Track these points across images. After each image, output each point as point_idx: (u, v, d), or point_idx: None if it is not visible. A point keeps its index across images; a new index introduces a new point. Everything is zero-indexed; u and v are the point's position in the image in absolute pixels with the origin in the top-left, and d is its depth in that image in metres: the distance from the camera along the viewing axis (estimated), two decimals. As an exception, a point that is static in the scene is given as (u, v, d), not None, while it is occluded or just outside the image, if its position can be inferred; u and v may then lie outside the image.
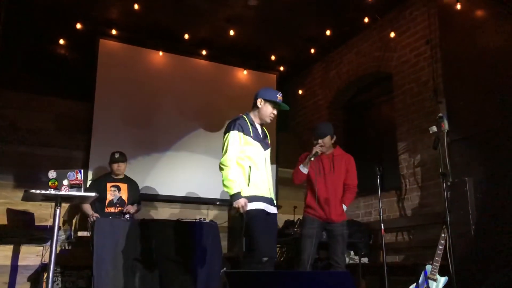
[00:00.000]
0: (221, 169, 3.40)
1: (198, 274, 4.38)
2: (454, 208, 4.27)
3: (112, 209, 5.03)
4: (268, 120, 3.62)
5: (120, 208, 5.02)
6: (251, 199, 3.35)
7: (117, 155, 5.16)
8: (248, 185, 3.40)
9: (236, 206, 3.28)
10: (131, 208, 4.99)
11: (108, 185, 5.14)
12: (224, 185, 3.36)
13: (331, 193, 4.22)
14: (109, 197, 5.09)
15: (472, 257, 4.12)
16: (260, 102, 3.57)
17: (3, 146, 5.35)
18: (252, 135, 3.50)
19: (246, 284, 2.31)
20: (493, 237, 4.04)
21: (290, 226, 5.68)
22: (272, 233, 3.51)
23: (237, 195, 3.30)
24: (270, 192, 3.55)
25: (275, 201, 3.65)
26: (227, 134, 3.48)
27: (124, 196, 5.15)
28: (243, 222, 3.29)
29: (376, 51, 5.93)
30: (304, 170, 4.26)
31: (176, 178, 6.10)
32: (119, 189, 5.16)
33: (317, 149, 4.18)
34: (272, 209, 3.52)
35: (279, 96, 3.59)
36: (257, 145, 3.52)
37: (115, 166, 5.16)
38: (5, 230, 4.91)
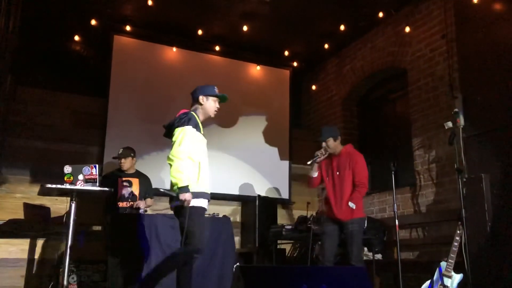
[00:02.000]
0: (170, 160, 3.42)
1: (210, 271, 4.40)
2: (469, 204, 4.21)
3: (124, 204, 5.06)
4: (213, 115, 3.74)
5: (131, 203, 5.05)
6: (198, 195, 3.44)
7: (120, 151, 5.16)
8: (198, 180, 3.49)
9: (183, 198, 3.34)
10: (141, 204, 5.01)
11: (120, 180, 5.17)
12: (173, 177, 3.38)
13: (338, 192, 4.36)
14: (120, 192, 5.12)
15: (488, 254, 4.06)
16: (202, 99, 3.67)
17: (20, 141, 5.42)
18: (202, 132, 3.61)
19: (260, 278, 2.31)
20: (510, 234, 3.97)
21: (303, 222, 5.65)
22: (206, 228, 3.66)
23: (185, 188, 3.36)
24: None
25: None
26: (181, 128, 3.49)
27: (136, 191, 5.17)
28: (186, 216, 3.35)
29: (391, 46, 5.87)
30: (313, 174, 4.50)
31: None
32: (130, 184, 5.18)
33: (318, 152, 4.41)
34: (207, 205, 3.63)
35: (217, 89, 3.72)
36: (205, 142, 3.63)
37: (119, 162, 5.19)
38: (22, 224, 4.97)
